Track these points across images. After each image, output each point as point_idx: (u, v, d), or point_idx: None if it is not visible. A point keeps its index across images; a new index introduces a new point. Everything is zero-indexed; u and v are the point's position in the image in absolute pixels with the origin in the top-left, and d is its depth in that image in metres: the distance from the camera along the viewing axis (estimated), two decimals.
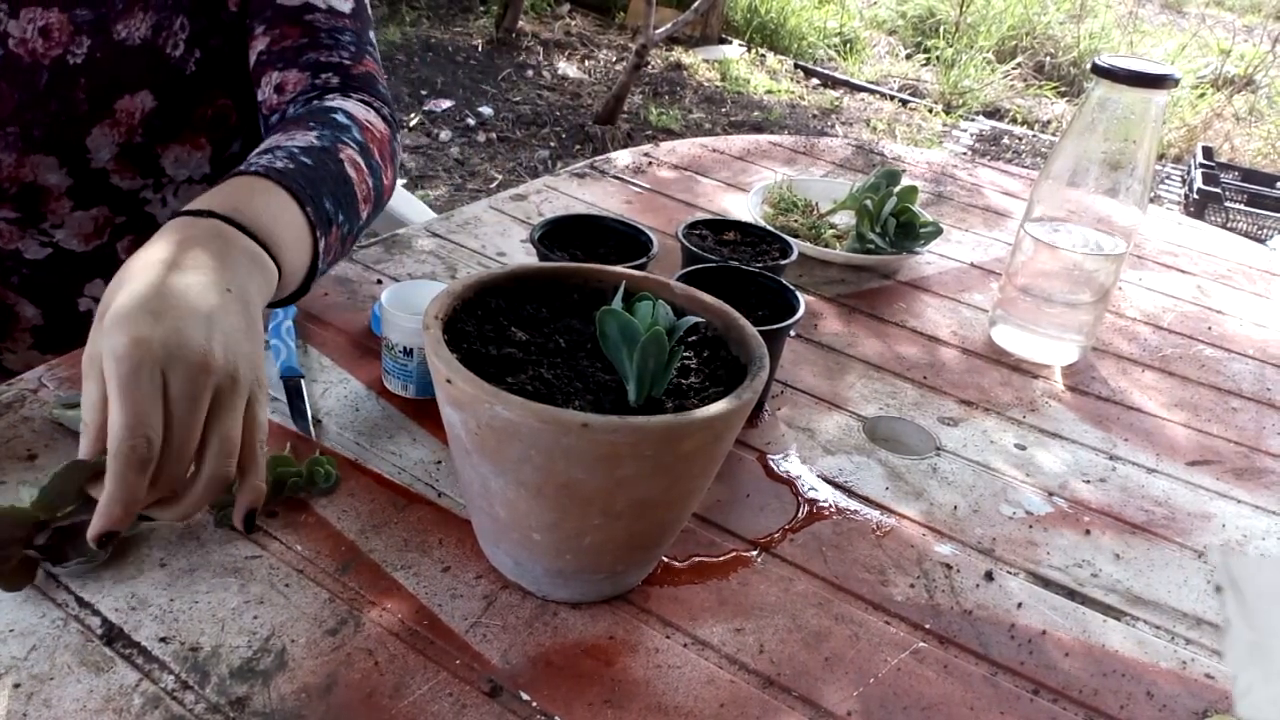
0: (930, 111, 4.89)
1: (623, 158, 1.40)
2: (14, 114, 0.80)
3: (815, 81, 5.16)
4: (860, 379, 0.92)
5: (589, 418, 0.51)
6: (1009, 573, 0.70)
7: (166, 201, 0.93)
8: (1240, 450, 0.89)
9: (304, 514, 0.67)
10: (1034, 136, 4.75)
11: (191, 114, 0.89)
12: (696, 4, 4.15)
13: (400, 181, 0.96)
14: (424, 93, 4.11)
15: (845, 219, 1.18)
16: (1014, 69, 5.41)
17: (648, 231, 0.90)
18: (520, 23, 5.06)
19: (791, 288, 0.82)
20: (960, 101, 5.02)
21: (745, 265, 0.86)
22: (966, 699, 0.59)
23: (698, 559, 0.68)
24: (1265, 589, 0.25)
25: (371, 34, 0.92)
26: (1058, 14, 5.84)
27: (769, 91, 4.84)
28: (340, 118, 0.78)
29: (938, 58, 5.43)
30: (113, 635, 0.56)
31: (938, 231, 1.13)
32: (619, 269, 0.68)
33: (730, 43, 5.43)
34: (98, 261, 0.92)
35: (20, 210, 0.85)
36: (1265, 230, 3.27)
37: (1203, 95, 5.06)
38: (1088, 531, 0.75)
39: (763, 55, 5.31)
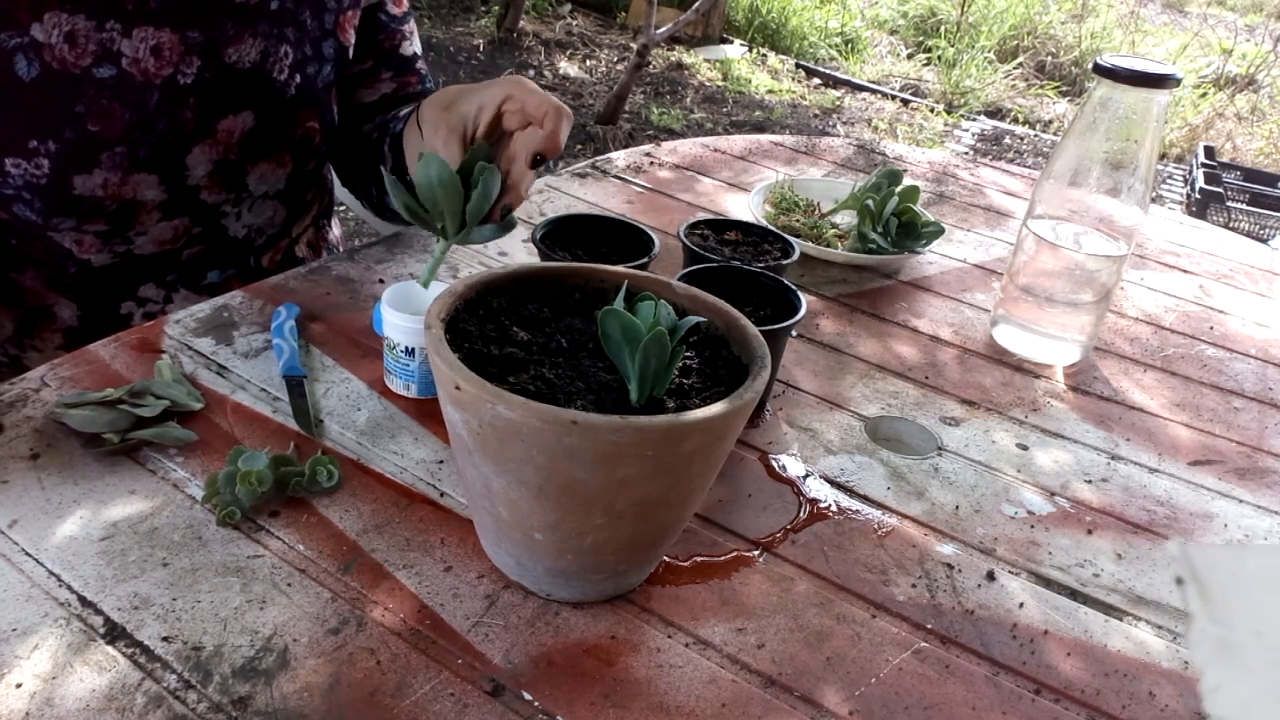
0: (932, 111, 4.89)
1: (624, 157, 1.40)
2: (123, 134, 0.82)
3: (816, 81, 5.16)
4: (861, 379, 0.92)
5: (590, 417, 0.51)
6: (1011, 573, 0.70)
7: (241, 215, 0.96)
8: (1242, 450, 0.89)
9: (306, 513, 0.67)
10: (1035, 136, 4.75)
11: (283, 134, 0.93)
12: (698, 4, 4.14)
13: None
14: None
15: (847, 219, 1.18)
16: (1015, 69, 5.41)
17: (649, 231, 0.90)
18: (521, 23, 5.06)
19: (793, 287, 0.82)
20: (962, 101, 5.02)
21: (747, 265, 0.86)
22: (968, 699, 0.59)
23: (699, 559, 0.68)
24: (1228, 580, 0.25)
25: None
26: (1059, 13, 5.84)
27: (770, 91, 4.84)
28: None
29: (939, 57, 5.43)
30: (115, 634, 0.56)
31: (939, 231, 1.13)
32: (620, 269, 0.68)
33: (731, 42, 5.43)
34: (159, 264, 0.94)
35: (111, 224, 0.87)
36: (1267, 230, 3.27)
37: (1204, 95, 5.06)
38: (1089, 531, 0.75)
39: (764, 55, 5.30)
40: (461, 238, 0.72)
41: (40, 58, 0.77)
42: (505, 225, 0.74)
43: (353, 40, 0.98)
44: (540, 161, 0.74)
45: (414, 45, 1.04)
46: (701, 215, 1.09)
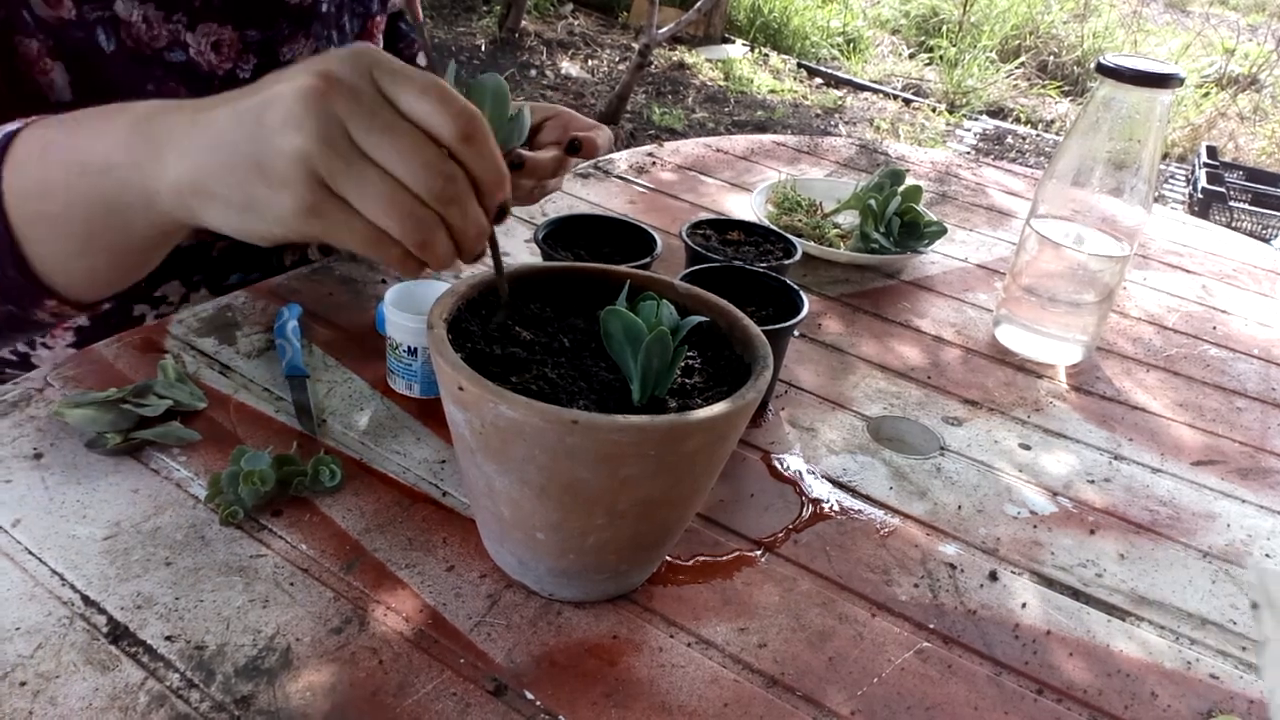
0: (934, 111, 4.89)
1: (626, 158, 1.40)
2: None
3: (818, 81, 5.15)
4: (864, 379, 0.92)
5: (592, 417, 0.51)
6: (1013, 573, 0.70)
7: None
8: (1245, 450, 0.89)
9: (308, 513, 0.67)
10: (1037, 136, 4.75)
11: None
12: (699, 3, 4.14)
13: None
14: None
15: (849, 218, 1.18)
16: (1017, 68, 5.41)
17: (651, 231, 0.90)
18: (523, 22, 5.06)
19: (795, 287, 0.82)
20: (964, 101, 5.02)
21: (749, 265, 0.86)
22: (970, 699, 0.59)
23: (701, 558, 0.68)
24: None
25: None
26: (1061, 13, 5.83)
27: (772, 91, 4.84)
28: None
29: (941, 57, 5.43)
30: (118, 633, 0.56)
31: (942, 231, 1.13)
32: (623, 268, 0.68)
33: (733, 42, 5.43)
34: (186, 258, 0.94)
35: None
36: (1270, 229, 3.27)
37: (1207, 94, 5.06)
38: (1092, 531, 0.75)
39: (766, 55, 5.30)
40: None
41: (117, 34, 0.79)
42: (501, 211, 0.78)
43: (380, 46, 1.00)
44: (575, 148, 0.79)
45: (421, 59, 1.07)
46: (704, 215, 1.08)
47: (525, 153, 0.77)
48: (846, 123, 4.58)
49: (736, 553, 0.68)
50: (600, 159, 1.36)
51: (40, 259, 0.54)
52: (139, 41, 0.79)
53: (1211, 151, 3.83)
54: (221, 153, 0.47)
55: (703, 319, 0.62)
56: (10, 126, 0.54)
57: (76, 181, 0.51)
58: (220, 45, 0.83)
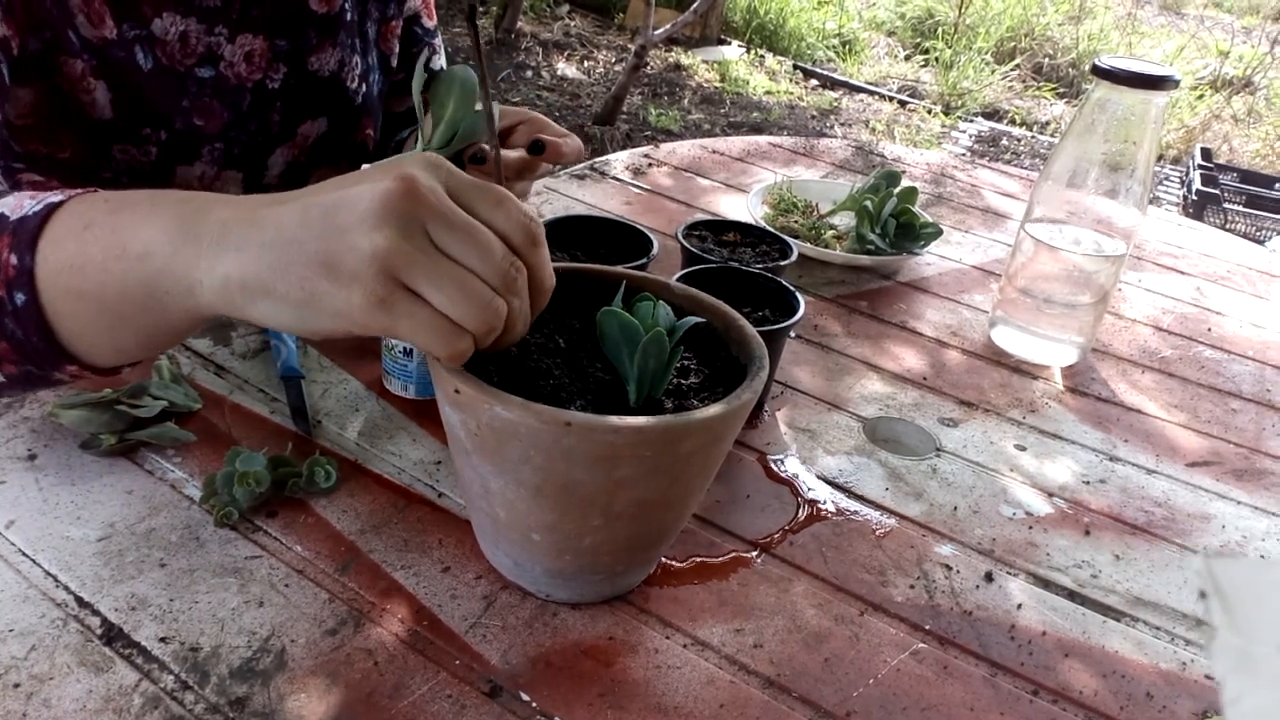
0: (929, 113, 4.90)
1: (622, 159, 1.40)
2: (221, 131, 0.85)
3: (814, 82, 5.16)
4: (860, 380, 0.92)
5: (587, 418, 0.51)
6: (1009, 574, 0.70)
7: None
8: (1240, 451, 0.89)
9: (304, 514, 0.67)
10: (1032, 138, 4.75)
11: (347, 140, 0.97)
12: (695, 5, 4.15)
13: None
14: None
15: (845, 220, 1.18)
16: (1012, 70, 5.42)
17: (648, 232, 0.90)
18: (519, 23, 5.06)
19: (791, 288, 0.82)
20: (959, 103, 5.03)
21: (745, 266, 0.86)
22: (966, 700, 0.59)
23: (697, 559, 0.68)
24: (1250, 593, 0.25)
25: None
26: (1056, 15, 5.85)
27: (768, 92, 4.84)
28: None
29: (936, 59, 5.44)
30: (112, 635, 0.56)
31: (937, 232, 1.13)
32: (619, 269, 0.68)
33: (729, 43, 5.44)
34: None
35: None
36: (1264, 231, 3.27)
37: (1201, 96, 5.07)
38: (1087, 532, 0.75)
39: (762, 56, 5.31)
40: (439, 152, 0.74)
41: (153, 52, 0.79)
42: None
43: (396, 50, 1.01)
44: (538, 148, 0.79)
45: (440, 60, 1.07)
46: (700, 216, 1.09)
47: (489, 150, 0.77)
48: (842, 124, 4.59)
49: (732, 554, 0.68)
50: (596, 160, 1.36)
51: (67, 330, 0.53)
52: (172, 59, 0.80)
53: (1206, 153, 3.84)
54: (284, 251, 0.47)
55: (699, 320, 0.62)
56: (53, 198, 0.53)
57: (113, 265, 0.50)
58: (251, 56, 0.84)
